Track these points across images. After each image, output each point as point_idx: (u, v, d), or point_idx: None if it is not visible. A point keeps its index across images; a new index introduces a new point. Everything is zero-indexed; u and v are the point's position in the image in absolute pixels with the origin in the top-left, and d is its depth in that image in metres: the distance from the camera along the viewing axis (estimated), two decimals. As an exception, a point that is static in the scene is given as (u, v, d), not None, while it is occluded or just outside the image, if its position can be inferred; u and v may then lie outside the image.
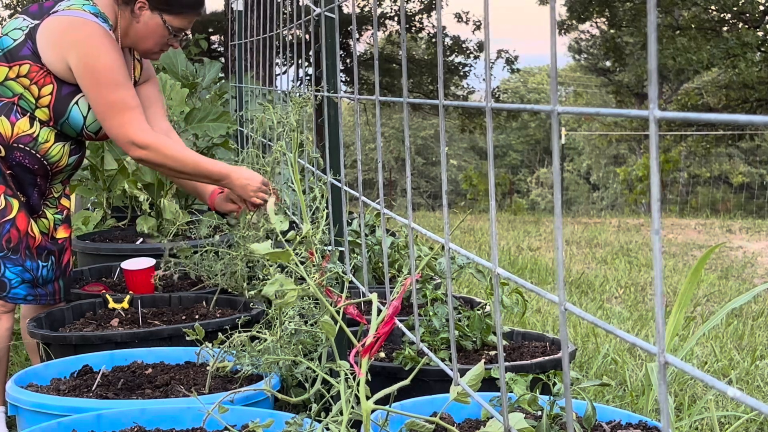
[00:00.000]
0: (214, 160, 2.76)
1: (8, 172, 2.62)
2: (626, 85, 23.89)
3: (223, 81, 5.16)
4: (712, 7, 19.06)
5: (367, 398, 1.45)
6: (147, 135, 2.59)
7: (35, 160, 2.64)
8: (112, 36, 2.62)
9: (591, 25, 23.77)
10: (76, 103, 2.61)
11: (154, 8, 2.68)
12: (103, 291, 3.02)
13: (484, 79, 1.04)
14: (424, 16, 19.20)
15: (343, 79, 16.21)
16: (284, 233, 1.73)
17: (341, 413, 1.50)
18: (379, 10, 18.01)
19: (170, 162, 2.61)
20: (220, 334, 2.14)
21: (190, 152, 2.68)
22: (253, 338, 2.07)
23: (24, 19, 2.63)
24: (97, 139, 2.78)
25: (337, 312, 1.71)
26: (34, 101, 2.59)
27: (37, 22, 2.59)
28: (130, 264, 3.07)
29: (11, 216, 2.59)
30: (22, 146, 2.60)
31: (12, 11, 16.79)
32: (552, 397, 1.79)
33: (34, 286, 2.67)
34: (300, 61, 4.32)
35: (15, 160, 2.61)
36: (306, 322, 1.91)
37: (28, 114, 2.60)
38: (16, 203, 2.61)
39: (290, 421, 1.59)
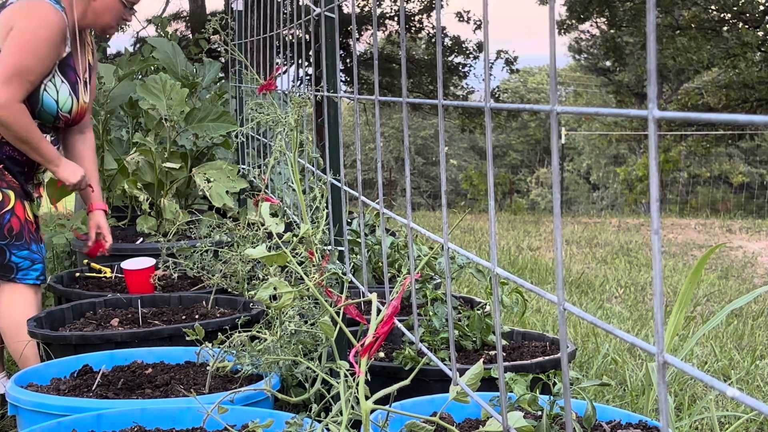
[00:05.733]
0: (53, 147, 2.91)
1: (0, 165, 2.81)
2: (626, 85, 23.87)
3: (223, 81, 5.15)
4: (712, 7, 19.05)
5: (367, 398, 1.45)
6: (17, 100, 2.72)
7: (23, 153, 2.83)
8: (64, 18, 2.81)
9: (591, 25, 23.77)
10: (45, 89, 2.82)
11: None
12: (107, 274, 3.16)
13: (483, 79, 1.04)
14: (424, 16, 19.18)
15: (343, 79, 16.20)
16: (281, 235, 1.73)
17: (341, 413, 1.50)
18: (378, 10, 18.01)
19: (17, 127, 2.73)
20: (220, 334, 2.14)
21: (38, 131, 2.81)
22: (253, 338, 2.07)
23: None
24: (72, 123, 2.98)
25: (337, 312, 1.71)
26: None
27: None
28: (130, 264, 3.07)
29: (10, 207, 2.81)
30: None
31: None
32: (552, 397, 1.79)
33: (42, 268, 2.88)
34: (300, 61, 4.32)
35: (5, 154, 2.82)
36: (306, 322, 1.91)
37: None
38: (11, 194, 2.82)
39: (290, 421, 1.59)
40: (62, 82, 2.86)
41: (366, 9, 16.51)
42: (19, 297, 2.83)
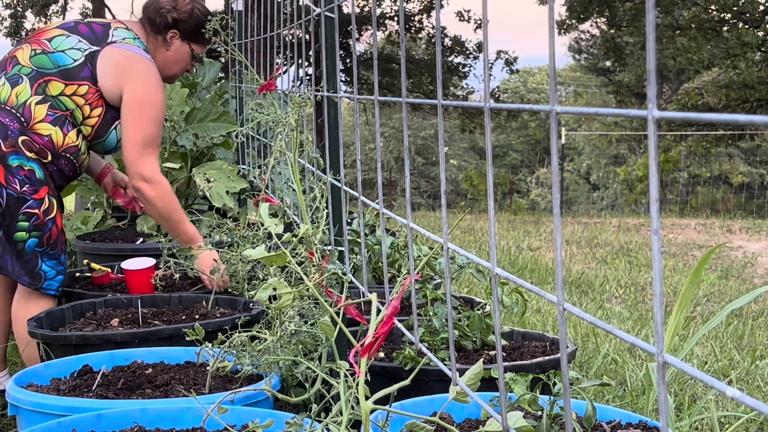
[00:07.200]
0: (194, 228, 2.99)
1: (47, 173, 2.86)
2: (626, 85, 23.87)
3: (223, 81, 5.15)
4: (712, 7, 19.05)
5: (367, 398, 1.45)
6: (158, 172, 2.88)
7: (73, 169, 2.92)
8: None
9: (591, 25, 23.78)
10: (115, 128, 2.93)
11: (185, 38, 3.05)
12: (111, 279, 3.18)
13: (483, 80, 1.04)
14: (424, 16, 19.18)
15: (343, 79, 16.19)
16: (280, 235, 1.73)
17: (341, 413, 1.50)
18: (378, 10, 18.00)
19: (161, 204, 2.87)
20: (220, 334, 2.14)
21: (179, 206, 2.95)
22: (253, 338, 2.07)
23: (80, 41, 2.90)
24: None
25: (337, 312, 1.71)
26: (81, 119, 2.87)
27: (96, 48, 2.89)
28: (130, 264, 3.07)
29: (53, 215, 2.85)
30: (69, 156, 2.87)
31: (12, 11, 16.74)
32: (552, 397, 1.79)
33: (62, 280, 2.92)
34: (300, 61, 4.31)
35: (57, 166, 2.87)
36: (306, 322, 1.91)
37: (77, 128, 2.87)
38: (55, 202, 2.87)
39: (290, 421, 1.59)
40: None
41: (366, 9, 16.51)
42: (37, 307, 2.84)
